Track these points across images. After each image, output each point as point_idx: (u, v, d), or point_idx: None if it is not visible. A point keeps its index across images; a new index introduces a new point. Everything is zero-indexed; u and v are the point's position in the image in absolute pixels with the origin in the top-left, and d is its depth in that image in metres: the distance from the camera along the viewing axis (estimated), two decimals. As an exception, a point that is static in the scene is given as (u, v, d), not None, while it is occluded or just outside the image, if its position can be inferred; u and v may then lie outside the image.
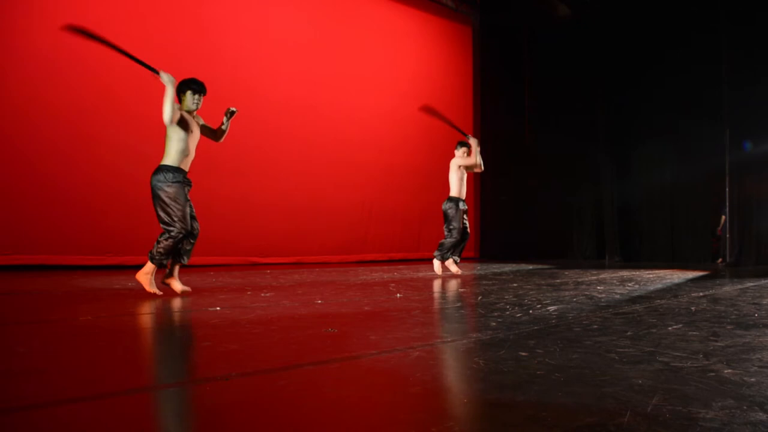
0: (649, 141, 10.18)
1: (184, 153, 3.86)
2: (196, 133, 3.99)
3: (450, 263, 6.15)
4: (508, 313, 3.19)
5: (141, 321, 2.85)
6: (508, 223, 11.37)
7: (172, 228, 3.74)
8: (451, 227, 6.03)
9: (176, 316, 3.08)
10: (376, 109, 9.71)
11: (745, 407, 1.43)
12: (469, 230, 6.21)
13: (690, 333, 2.52)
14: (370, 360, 1.98)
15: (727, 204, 9.08)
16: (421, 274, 6.46)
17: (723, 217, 9.32)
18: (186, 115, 3.90)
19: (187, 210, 3.83)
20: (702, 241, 9.73)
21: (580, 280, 5.81)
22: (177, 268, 3.98)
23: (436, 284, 5.20)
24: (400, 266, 8.32)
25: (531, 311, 3.24)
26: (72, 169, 6.60)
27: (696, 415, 1.36)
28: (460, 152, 6.22)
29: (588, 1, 10.61)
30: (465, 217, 6.10)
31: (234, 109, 4.12)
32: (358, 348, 2.19)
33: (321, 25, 9.11)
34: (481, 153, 6.20)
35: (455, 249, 6.16)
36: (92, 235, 6.66)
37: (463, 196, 6.14)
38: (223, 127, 4.14)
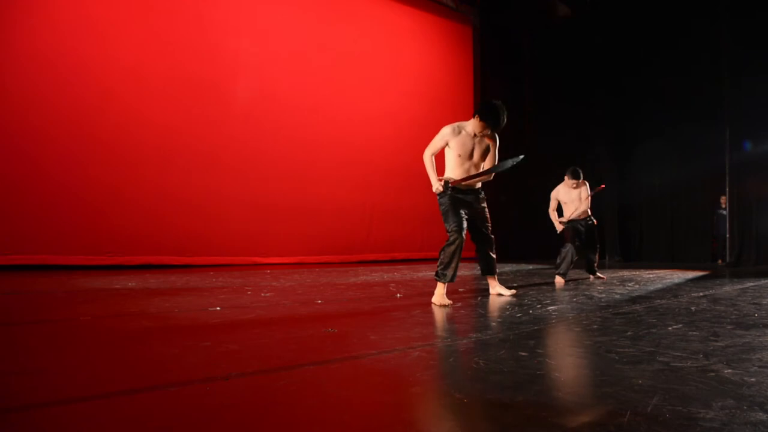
0: (649, 141, 10.18)
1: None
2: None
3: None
4: (508, 313, 3.18)
5: (141, 321, 2.85)
6: (507, 223, 11.36)
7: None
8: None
9: (176, 316, 3.08)
10: (376, 108, 9.70)
11: (745, 407, 1.43)
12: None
13: (690, 333, 2.52)
14: (370, 360, 1.98)
15: (726, 205, 9.08)
16: (421, 275, 6.45)
17: (715, 218, 9.39)
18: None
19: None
20: (702, 241, 9.73)
21: (580, 280, 5.81)
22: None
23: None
24: (401, 266, 8.32)
25: (531, 311, 3.24)
26: (72, 169, 6.59)
27: (696, 415, 1.36)
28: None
29: (588, 1, 10.61)
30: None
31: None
32: (358, 348, 2.19)
33: (321, 25, 9.10)
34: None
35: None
36: (92, 235, 6.66)
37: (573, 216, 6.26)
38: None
